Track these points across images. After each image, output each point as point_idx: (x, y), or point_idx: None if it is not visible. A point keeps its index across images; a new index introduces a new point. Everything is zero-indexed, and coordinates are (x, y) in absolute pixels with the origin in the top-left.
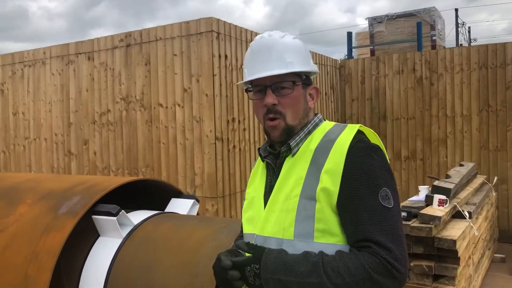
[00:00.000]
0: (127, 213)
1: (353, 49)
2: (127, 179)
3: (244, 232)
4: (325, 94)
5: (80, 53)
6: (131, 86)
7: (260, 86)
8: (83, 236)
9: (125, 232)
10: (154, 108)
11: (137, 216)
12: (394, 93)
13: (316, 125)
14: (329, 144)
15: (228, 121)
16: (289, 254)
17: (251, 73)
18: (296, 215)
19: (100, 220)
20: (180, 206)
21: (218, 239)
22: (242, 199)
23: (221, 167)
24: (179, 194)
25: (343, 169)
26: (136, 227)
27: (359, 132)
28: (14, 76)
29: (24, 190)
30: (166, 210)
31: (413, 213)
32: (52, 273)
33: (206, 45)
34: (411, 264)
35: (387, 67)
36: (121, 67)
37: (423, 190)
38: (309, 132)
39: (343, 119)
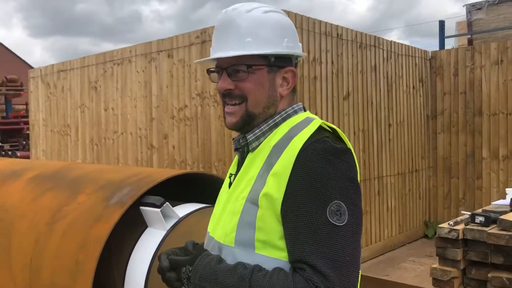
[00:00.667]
0: (177, 205)
1: (446, 39)
2: (175, 172)
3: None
4: (413, 87)
5: (161, 51)
6: (206, 82)
7: (217, 68)
8: (134, 226)
9: (170, 224)
10: None
11: (185, 209)
12: (492, 85)
13: (286, 117)
14: (286, 142)
15: None
16: (223, 262)
17: (211, 53)
18: (239, 220)
19: (146, 211)
20: None
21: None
22: None
23: None
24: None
25: (290, 173)
26: (181, 220)
27: (322, 129)
28: (105, 74)
29: (87, 181)
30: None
31: (492, 219)
32: (97, 261)
33: None
34: (489, 275)
35: (483, 57)
36: (197, 64)
37: (511, 193)
38: (276, 125)
39: (433, 114)
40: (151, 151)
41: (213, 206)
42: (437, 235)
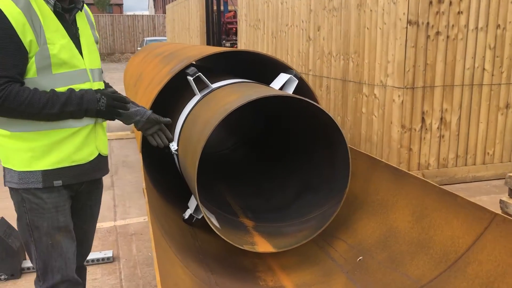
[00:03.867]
0: (224, 79)
1: None
2: (227, 49)
3: (65, 70)
4: None
5: None
6: None
7: None
8: (189, 93)
9: (204, 92)
10: None
11: (224, 81)
12: None
13: None
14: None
15: (431, 2)
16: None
17: None
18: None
19: (188, 79)
20: (280, 80)
21: (231, 104)
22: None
23: (413, 56)
24: (287, 69)
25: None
26: (212, 90)
27: None
28: None
29: (175, 56)
30: (272, 83)
31: None
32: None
33: None
34: None
35: None
36: None
37: None
38: None
39: None
40: (308, 43)
41: (243, 82)
42: None
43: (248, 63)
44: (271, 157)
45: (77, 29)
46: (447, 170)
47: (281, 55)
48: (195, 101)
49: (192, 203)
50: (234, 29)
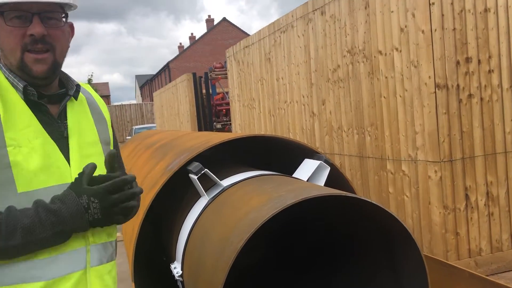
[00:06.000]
0: (239, 172)
1: None
2: (237, 135)
3: (40, 186)
4: None
5: (315, 10)
6: (354, 35)
7: (21, 12)
8: (193, 194)
9: (213, 192)
10: (375, 57)
11: (237, 177)
12: None
13: None
14: (89, 95)
15: (458, 62)
16: None
17: None
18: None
19: (191, 178)
20: (307, 167)
21: (258, 212)
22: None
23: (447, 123)
24: (314, 154)
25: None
26: (223, 189)
27: None
28: (275, 43)
29: (173, 147)
30: (295, 172)
31: None
32: (139, 227)
33: None
34: None
35: None
36: (346, 16)
37: None
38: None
39: None
40: (313, 119)
41: (264, 175)
42: None
43: (256, 149)
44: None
45: (65, 125)
46: (503, 254)
47: (282, 133)
48: (202, 207)
49: None
50: (224, 110)
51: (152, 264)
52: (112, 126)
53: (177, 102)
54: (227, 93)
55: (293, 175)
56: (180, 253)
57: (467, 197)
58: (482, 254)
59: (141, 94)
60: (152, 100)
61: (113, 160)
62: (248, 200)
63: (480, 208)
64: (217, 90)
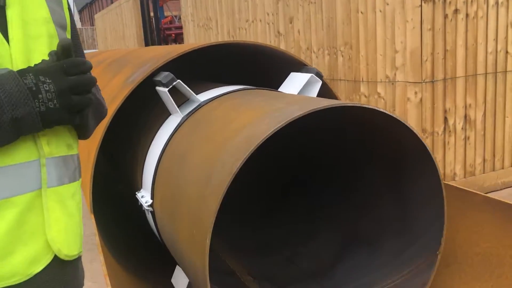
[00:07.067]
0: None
1: None
2: (212, 42)
3: None
4: None
5: None
6: None
7: None
8: (160, 113)
9: (188, 109)
10: None
11: (219, 91)
12: None
13: None
14: None
15: None
16: None
17: None
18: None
19: (159, 91)
20: (296, 82)
21: (256, 127)
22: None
23: (431, 41)
24: (301, 67)
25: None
26: (200, 106)
27: None
28: None
29: (130, 60)
30: (280, 87)
31: None
32: (98, 145)
33: None
34: None
35: None
36: None
37: None
38: None
39: None
40: (279, 39)
41: (249, 89)
42: None
43: (229, 66)
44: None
45: None
46: (475, 179)
47: None
48: (175, 125)
49: (179, 281)
50: (173, 35)
51: (110, 194)
52: (69, 10)
53: (122, 24)
54: (176, 16)
55: (280, 91)
56: (148, 180)
57: (445, 120)
58: (456, 179)
59: (80, 18)
60: (93, 25)
61: (69, 49)
62: (236, 116)
63: (458, 132)
64: (165, 13)
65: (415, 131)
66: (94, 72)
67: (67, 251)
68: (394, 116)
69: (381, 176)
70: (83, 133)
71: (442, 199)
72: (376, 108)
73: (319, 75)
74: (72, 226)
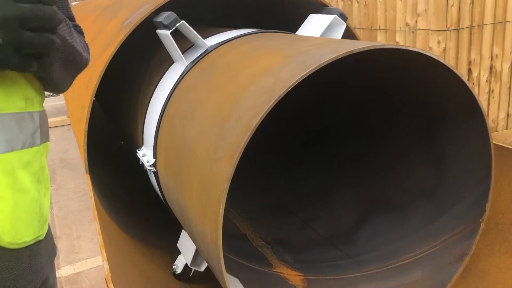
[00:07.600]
0: (221, 32)
1: None
2: None
3: None
4: None
5: None
6: None
7: None
8: (161, 60)
9: (193, 56)
10: None
11: (229, 35)
12: None
13: None
14: None
15: None
16: None
17: None
18: None
19: (161, 35)
20: (316, 24)
21: (276, 75)
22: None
23: None
24: (322, 8)
25: None
26: (208, 51)
27: None
28: None
29: (126, 5)
30: (298, 31)
31: None
32: (92, 96)
33: None
34: None
35: None
36: None
37: None
38: None
39: None
40: None
41: (263, 32)
42: None
43: (234, 9)
44: (303, 150)
45: None
46: (497, 134)
47: None
48: (179, 74)
49: (186, 246)
50: None
51: (109, 151)
52: None
53: None
54: None
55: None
56: (150, 137)
57: (469, 71)
58: None
59: None
60: None
61: None
62: (252, 62)
63: (482, 85)
64: None
65: (464, 80)
66: (88, 20)
67: (13, 238)
68: (442, 61)
69: (412, 133)
70: (50, 86)
71: (490, 158)
72: (423, 52)
73: (343, 16)
74: (23, 205)
